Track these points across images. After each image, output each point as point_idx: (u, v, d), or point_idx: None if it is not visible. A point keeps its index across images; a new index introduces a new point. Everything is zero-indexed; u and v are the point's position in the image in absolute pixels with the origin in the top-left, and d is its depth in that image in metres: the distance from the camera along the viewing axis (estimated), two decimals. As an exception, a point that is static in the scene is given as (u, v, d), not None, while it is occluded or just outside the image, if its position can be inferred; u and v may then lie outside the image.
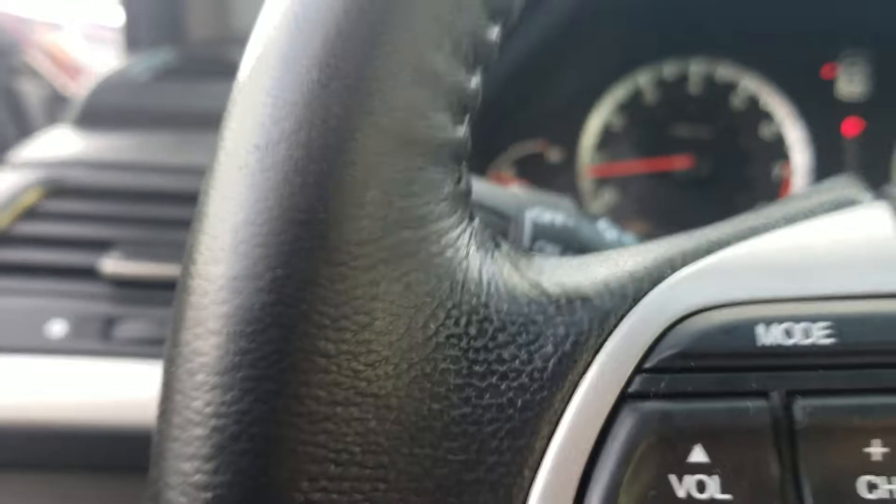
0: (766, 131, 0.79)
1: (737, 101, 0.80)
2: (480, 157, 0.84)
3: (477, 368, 0.21)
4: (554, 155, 0.84)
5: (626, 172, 0.82)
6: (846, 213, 0.24)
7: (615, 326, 0.21)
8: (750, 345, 0.20)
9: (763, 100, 0.79)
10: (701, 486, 0.20)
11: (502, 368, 0.21)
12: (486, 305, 0.21)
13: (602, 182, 0.83)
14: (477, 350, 0.21)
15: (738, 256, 0.22)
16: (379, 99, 0.21)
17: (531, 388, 0.21)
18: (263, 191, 0.20)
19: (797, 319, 0.20)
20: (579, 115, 0.83)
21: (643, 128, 0.82)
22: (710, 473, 0.20)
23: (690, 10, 0.80)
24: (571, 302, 0.22)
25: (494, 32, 0.24)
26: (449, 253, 0.22)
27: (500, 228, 0.37)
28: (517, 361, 0.21)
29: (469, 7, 0.23)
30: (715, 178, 0.79)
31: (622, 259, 0.23)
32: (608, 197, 0.82)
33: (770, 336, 0.20)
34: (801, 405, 0.20)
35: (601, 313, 0.21)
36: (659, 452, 0.20)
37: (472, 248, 0.22)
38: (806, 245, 0.22)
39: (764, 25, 0.78)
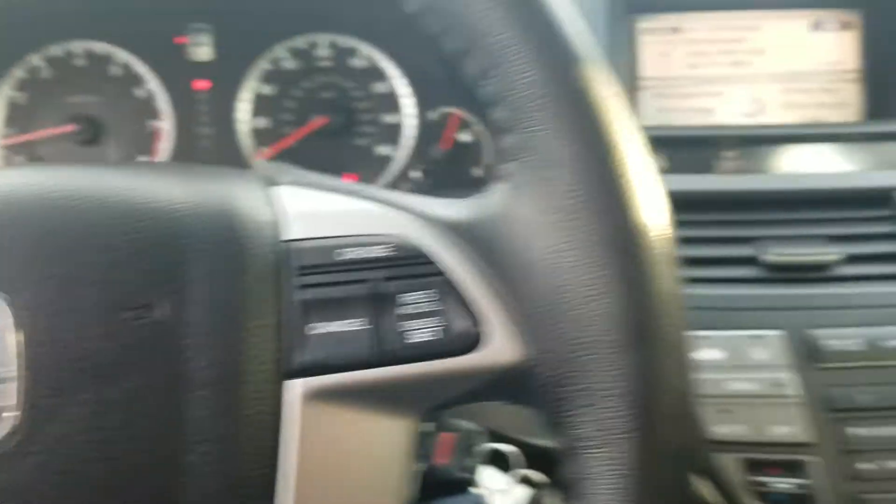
0: (140, 92, 0.96)
1: (114, 70, 0.96)
2: None
3: None
4: (-32, 131, 0.95)
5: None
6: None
7: None
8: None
9: (135, 67, 0.96)
10: None
11: None
12: None
13: (15, 150, 0.96)
14: None
15: None
16: None
17: None
18: None
19: None
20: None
21: (42, 99, 0.96)
22: None
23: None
24: None
25: None
26: None
27: None
28: None
29: None
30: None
31: None
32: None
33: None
34: None
35: None
36: None
37: None
38: None
39: (123, 6, 0.94)
